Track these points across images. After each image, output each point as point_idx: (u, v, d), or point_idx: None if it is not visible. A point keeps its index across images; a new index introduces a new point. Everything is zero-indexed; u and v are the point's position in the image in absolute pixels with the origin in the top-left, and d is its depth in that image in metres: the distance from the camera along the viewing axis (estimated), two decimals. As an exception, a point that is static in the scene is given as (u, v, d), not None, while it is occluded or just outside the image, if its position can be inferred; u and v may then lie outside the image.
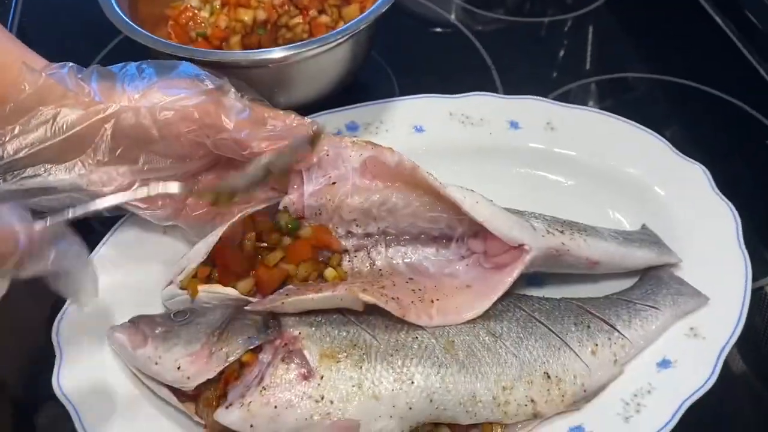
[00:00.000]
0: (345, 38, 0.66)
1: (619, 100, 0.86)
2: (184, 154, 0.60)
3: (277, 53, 0.64)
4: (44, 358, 0.56)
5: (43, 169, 0.59)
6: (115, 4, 0.66)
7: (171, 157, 0.60)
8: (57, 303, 0.58)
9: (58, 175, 0.59)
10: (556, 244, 0.61)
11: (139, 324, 0.55)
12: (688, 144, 0.73)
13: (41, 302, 0.62)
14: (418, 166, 0.60)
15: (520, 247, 0.59)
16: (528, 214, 0.63)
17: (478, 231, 0.61)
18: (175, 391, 0.54)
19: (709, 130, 0.81)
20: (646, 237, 0.67)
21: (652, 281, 0.64)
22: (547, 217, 0.64)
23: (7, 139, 0.58)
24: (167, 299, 0.60)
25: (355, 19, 0.66)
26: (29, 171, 0.59)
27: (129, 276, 0.62)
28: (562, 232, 0.62)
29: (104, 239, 0.63)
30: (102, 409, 0.53)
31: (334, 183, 0.62)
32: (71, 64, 0.59)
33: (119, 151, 0.59)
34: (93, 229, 0.65)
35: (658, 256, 0.65)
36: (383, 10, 0.67)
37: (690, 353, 0.59)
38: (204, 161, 0.61)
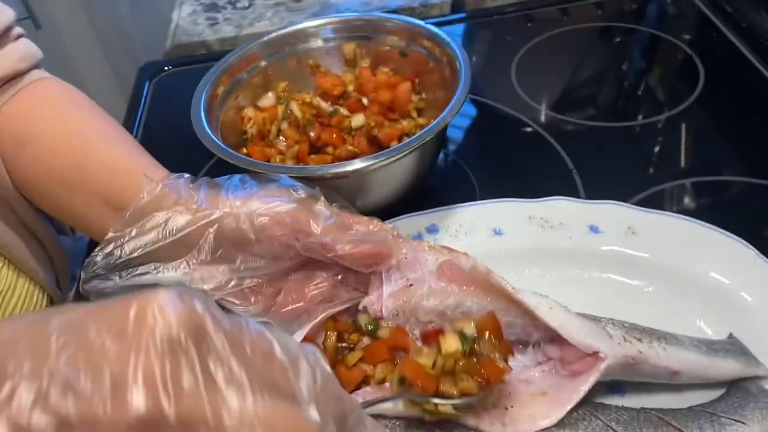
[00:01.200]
0: (412, 149, 0.70)
1: (712, 204, 0.85)
2: (277, 255, 0.65)
3: (351, 166, 0.69)
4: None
5: (153, 267, 0.66)
6: (207, 129, 0.74)
7: (265, 258, 0.65)
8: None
9: (166, 272, 0.66)
10: (632, 352, 0.60)
11: None
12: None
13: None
14: (492, 271, 0.62)
15: (595, 355, 0.59)
16: (605, 321, 0.64)
17: (554, 337, 0.62)
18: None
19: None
20: (732, 347, 0.65)
21: (739, 394, 0.62)
22: (625, 324, 0.64)
23: (126, 240, 0.66)
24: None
25: (423, 131, 0.71)
26: (141, 269, 0.67)
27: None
28: (639, 339, 0.62)
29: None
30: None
31: (411, 285, 0.65)
32: (187, 175, 0.67)
33: (220, 252, 0.65)
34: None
35: (745, 368, 0.63)
36: (448, 121, 0.72)
37: (781, 474, 0.56)
38: (294, 261, 0.66)
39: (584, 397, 0.59)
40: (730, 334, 0.67)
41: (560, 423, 0.58)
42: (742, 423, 0.59)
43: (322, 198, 0.66)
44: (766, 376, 0.63)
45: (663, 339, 0.63)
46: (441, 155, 0.91)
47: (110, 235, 0.65)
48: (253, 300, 0.67)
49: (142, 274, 0.66)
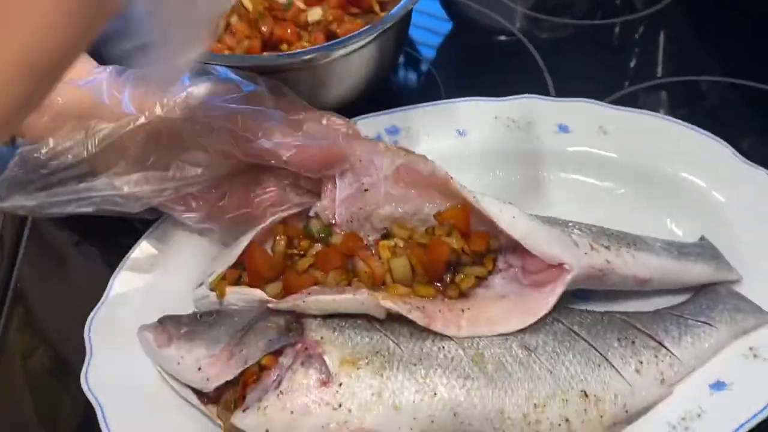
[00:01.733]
0: (372, 38, 0.65)
1: (689, 104, 0.81)
2: (214, 163, 0.60)
3: (304, 55, 0.64)
4: (76, 356, 0.57)
5: (78, 180, 0.60)
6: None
7: (201, 166, 0.60)
8: (90, 300, 0.60)
9: (93, 183, 0.60)
10: (599, 262, 0.57)
11: (166, 324, 0.56)
12: (763, 152, 0.68)
13: (75, 299, 0.64)
14: (452, 177, 0.58)
15: (560, 266, 0.56)
16: (572, 226, 0.60)
17: (517, 245, 0.58)
18: (198, 393, 0.53)
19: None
20: (703, 250, 0.62)
21: (709, 296, 0.59)
22: (593, 228, 0.60)
23: (44, 152, 0.59)
24: (197, 300, 0.60)
25: (383, 17, 0.66)
26: (66, 182, 0.61)
27: (164, 276, 0.63)
28: (607, 247, 0.58)
29: (141, 238, 0.64)
30: (127, 407, 0.53)
31: (366, 190, 0.60)
32: (111, 68, 0.60)
33: (152, 159, 0.59)
34: (133, 228, 0.66)
35: (716, 272, 0.60)
36: (409, 8, 0.66)
37: (748, 376, 0.53)
38: (235, 167, 0.61)
39: (545, 303, 0.56)
40: (702, 236, 0.64)
41: (520, 327, 0.55)
42: (710, 325, 0.56)
43: (266, 95, 0.61)
44: (736, 280, 0.60)
45: (632, 245, 0.60)
46: (405, 53, 0.85)
47: (26, 147, 0.59)
48: (194, 205, 0.61)
49: (67, 186, 0.60)
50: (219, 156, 0.59)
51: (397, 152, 0.61)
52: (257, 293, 0.56)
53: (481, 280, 0.59)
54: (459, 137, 0.71)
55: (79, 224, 0.67)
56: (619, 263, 0.58)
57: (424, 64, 0.86)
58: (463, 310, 0.55)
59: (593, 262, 0.57)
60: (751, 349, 0.55)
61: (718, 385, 0.54)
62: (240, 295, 0.57)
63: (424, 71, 0.85)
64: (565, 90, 0.80)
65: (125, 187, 0.59)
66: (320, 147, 0.59)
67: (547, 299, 0.56)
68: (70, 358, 0.59)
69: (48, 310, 0.66)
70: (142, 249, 0.63)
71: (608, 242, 0.59)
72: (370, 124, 0.71)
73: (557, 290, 0.56)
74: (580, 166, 0.69)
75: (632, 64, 0.86)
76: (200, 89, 0.59)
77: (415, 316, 0.52)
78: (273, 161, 0.58)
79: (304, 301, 0.53)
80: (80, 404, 0.54)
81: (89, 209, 0.60)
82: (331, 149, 0.59)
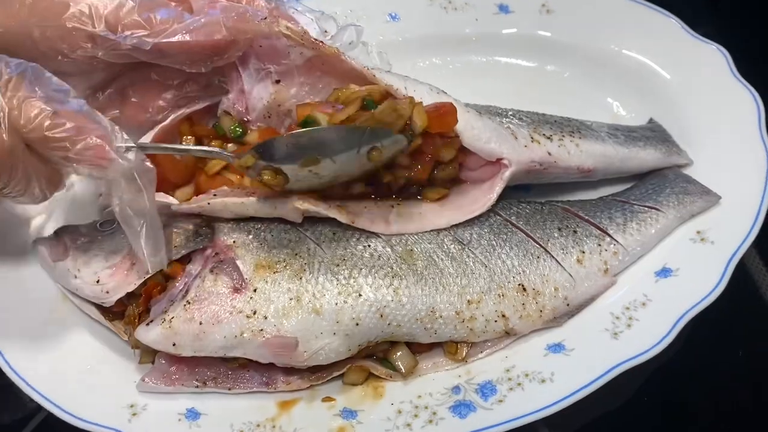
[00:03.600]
0: None
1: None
2: (84, 70, 0.51)
3: None
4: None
5: None
6: None
7: (72, 75, 0.51)
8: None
9: None
10: (540, 155, 0.52)
11: (62, 235, 0.50)
12: (711, 25, 0.63)
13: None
14: (371, 69, 0.51)
15: (498, 162, 0.51)
16: (511, 115, 0.55)
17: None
18: (102, 309, 0.49)
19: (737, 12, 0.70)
20: (652, 133, 0.57)
21: (655, 180, 0.56)
22: (534, 117, 0.56)
23: None
24: (103, 209, 0.54)
25: None
26: None
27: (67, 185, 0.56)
28: (549, 137, 0.53)
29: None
30: (23, 328, 0.48)
31: (278, 81, 0.53)
32: None
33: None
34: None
35: (666, 157, 0.56)
36: None
37: (695, 260, 0.50)
38: (113, 69, 0.52)
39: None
40: (651, 119, 0.60)
41: (454, 220, 0.51)
42: (657, 209, 0.52)
43: None
44: (687, 164, 0.56)
45: (576, 132, 0.55)
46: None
47: None
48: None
49: None
50: (84, 62, 0.50)
51: (300, 37, 0.53)
52: (161, 197, 0.50)
53: None
54: (391, 22, 0.65)
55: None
56: (561, 154, 0.54)
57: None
58: (392, 206, 0.50)
59: (533, 155, 0.52)
60: (698, 232, 0.52)
61: (664, 272, 0.50)
62: (143, 201, 0.51)
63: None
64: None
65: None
66: (197, 36, 0.49)
67: (486, 197, 0.51)
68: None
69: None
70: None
71: (550, 131, 0.55)
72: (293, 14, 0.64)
73: (496, 187, 0.51)
74: (522, 50, 0.64)
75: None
76: None
77: (335, 213, 0.47)
78: (146, 59, 0.49)
79: (209, 203, 0.48)
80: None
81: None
82: (214, 39, 0.49)
